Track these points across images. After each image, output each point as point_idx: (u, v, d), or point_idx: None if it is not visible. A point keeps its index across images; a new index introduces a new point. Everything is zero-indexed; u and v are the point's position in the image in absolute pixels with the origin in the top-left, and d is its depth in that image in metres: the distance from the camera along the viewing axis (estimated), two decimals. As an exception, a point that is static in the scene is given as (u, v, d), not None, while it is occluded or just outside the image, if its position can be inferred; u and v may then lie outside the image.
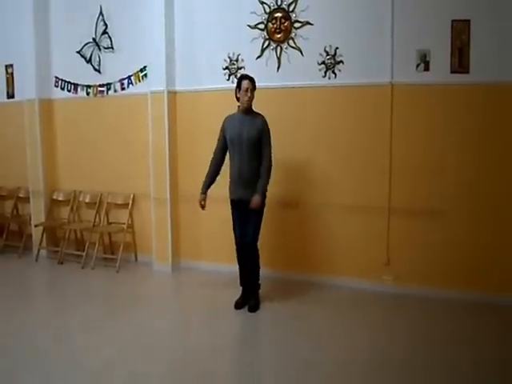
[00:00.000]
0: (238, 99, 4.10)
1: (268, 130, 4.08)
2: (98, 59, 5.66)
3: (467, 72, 4.21)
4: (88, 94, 5.73)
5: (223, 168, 4.25)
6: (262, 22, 4.84)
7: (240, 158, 4.07)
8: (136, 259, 5.68)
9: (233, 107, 4.21)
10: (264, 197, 4.10)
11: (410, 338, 3.66)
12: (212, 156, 4.26)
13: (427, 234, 4.41)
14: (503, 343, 3.58)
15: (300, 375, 3.13)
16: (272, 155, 4.08)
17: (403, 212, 4.47)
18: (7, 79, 6.24)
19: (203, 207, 4.26)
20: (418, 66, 4.34)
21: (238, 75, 4.71)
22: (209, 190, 4.23)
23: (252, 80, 4.08)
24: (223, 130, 4.18)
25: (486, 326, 3.85)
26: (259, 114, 4.12)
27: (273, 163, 4.09)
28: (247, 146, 4.03)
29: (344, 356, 3.37)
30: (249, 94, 4.03)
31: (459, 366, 3.22)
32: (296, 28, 4.71)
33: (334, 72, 4.62)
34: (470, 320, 3.96)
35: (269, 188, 4.15)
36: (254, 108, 4.13)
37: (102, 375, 3.12)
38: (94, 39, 5.63)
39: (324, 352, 3.43)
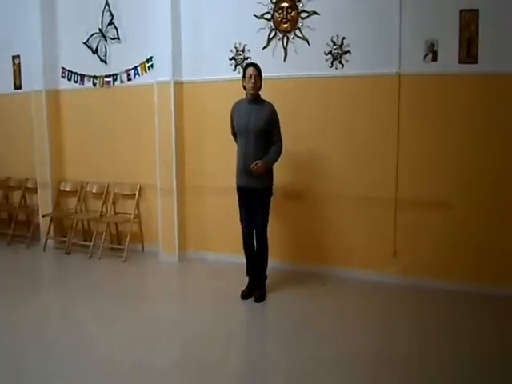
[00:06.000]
0: (245, 88, 4.10)
1: (277, 118, 4.08)
2: (104, 50, 5.65)
3: (476, 62, 4.17)
4: (95, 84, 5.74)
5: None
6: (268, 12, 4.81)
7: (246, 146, 4.06)
8: (143, 249, 5.71)
9: (239, 98, 4.20)
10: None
11: (415, 329, 3.66)
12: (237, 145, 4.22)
13: (434, 226, 4.39)
14: (506, 334, 3.59)
15: (305, 366, 3.14)
16: (283, 142, 4.11)
17: (410, 204, 4.45)
18: (14, 70, 6.25)
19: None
20: (425, 56, 4.30)
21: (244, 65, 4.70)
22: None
23: (256, 66, 4.07)
24: (231, 117, 4.20)
25: (492, 318, 3.84)
26: (267, 102, 4.10)
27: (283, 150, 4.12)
28: (254, 136, 4.02)
29: (349, 347, 3.38)
30: (252, 81, 4.01)
31: (461, 357, 3.22)
32: (303, 18, 4.68)
33: (341, 62, 4.59)
34: (476, 312, 3.95)
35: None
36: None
37: (107, 364, 3.16)
38: (100, 30, 5.62)
39: (329, 343, 3.44)
